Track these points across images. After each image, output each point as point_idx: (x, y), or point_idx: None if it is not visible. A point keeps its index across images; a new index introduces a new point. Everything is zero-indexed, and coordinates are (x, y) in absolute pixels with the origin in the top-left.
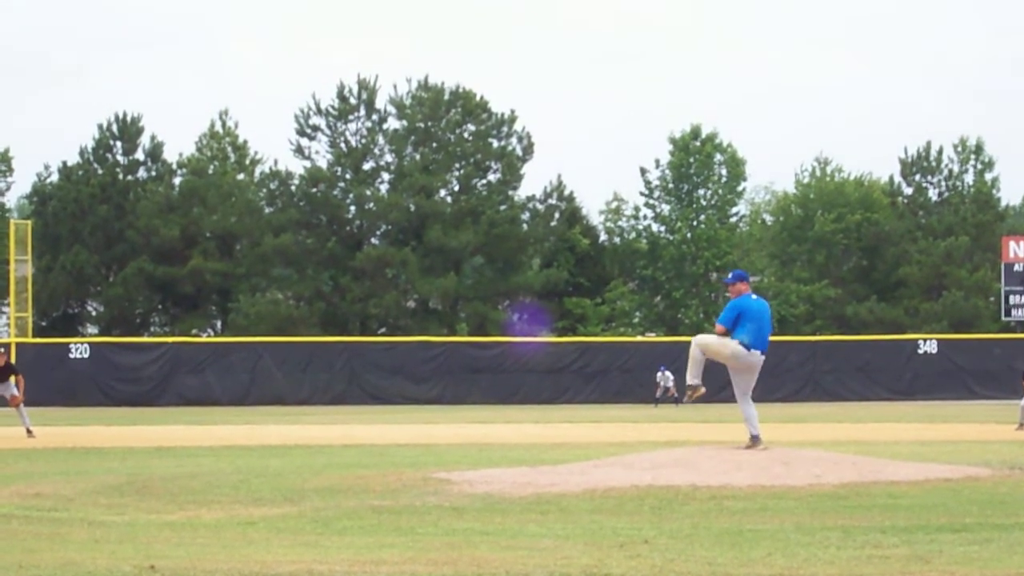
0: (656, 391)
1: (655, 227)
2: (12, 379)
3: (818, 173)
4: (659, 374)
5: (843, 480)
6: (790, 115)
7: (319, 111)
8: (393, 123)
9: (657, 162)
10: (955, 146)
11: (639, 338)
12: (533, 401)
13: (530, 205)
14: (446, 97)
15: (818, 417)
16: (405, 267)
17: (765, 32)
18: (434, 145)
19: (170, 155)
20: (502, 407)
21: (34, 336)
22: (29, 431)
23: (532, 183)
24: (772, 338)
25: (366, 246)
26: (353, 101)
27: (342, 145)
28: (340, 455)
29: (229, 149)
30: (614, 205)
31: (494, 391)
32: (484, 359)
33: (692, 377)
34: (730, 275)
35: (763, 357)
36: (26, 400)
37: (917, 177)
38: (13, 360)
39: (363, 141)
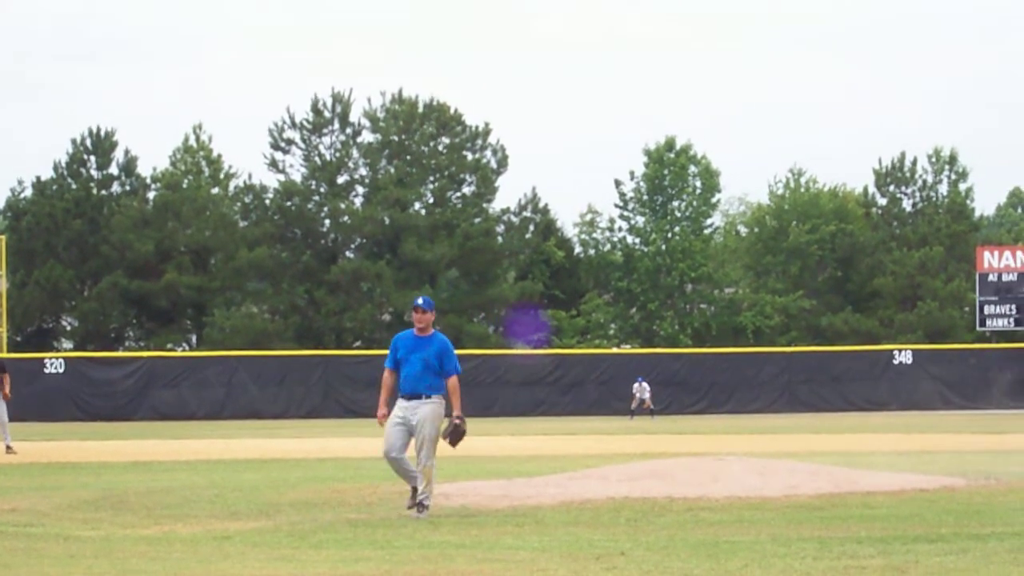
0: (632, 403)
1: (630, 239)
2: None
3: (792, 184)
4: (636, 385)
5: (819, 491)
6: (764, 127)
7: (294, 125)
8: (367, 136)
9: (632, 174)
10: (929, 156)
11: (615, 350)
12: (509, 413)
13: (505, 218)
14: (420, 110)
15: (793, 428)
16: (380, 280)
17: (740, 44)
18: (408, 158)
19: (144, 169)
20: (478, 419)
21: (8, 351)
22: (9, 447)
23: (507, 196)
24: (746, 349)
25: (341, 259)
26: (327, 114)
27: (316, 159)
28: (316, 468)
29: (203, 163)
30: (588, 217)
31: (469, 403)
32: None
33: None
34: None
35: (407, 405)
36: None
37: (891, 188)
38: None
39: (337, 154)
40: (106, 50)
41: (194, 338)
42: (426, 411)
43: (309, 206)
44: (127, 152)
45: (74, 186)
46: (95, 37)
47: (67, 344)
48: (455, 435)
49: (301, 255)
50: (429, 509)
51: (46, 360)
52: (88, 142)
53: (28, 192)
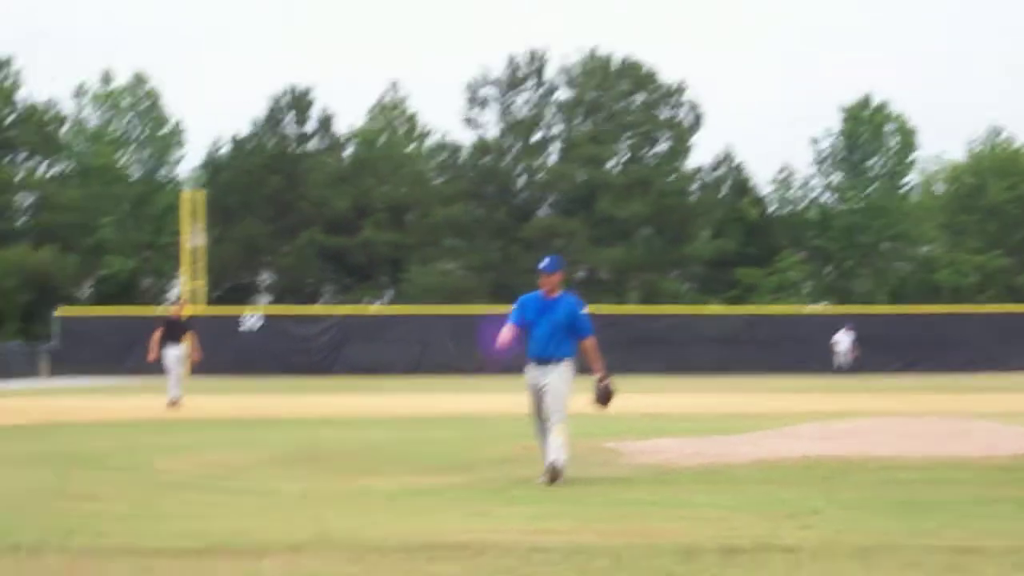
0: (835, 359)
1: (825, 197)
2: (185, 339)
3: (991, 143)
4: (842, 334)
5: (1018, 452)
6: (962, 84)
7: (489, 82)
8: (562, 94)
9: (828, 131)
10: None
11: (809, 309)
12: (703, 371)
13: (699, 176)
14: (614, 68)
15: (992, 388)
16: (574, 237)
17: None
18: (602, 116)
19: (341, 127)
20: (671, 377)
21: (208, 305)
22: (173, 402)
23: (701, 154)
24: (945, 308)
25: (535, 217)
26: (523, 72)
27: (511, 116)
28: (510, 425)
29: (399, 120)
30: (783, 175)
31: (664, 360)
32: (654, 330)
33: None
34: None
35: (537, 370)
36: (200, 368)
37: None
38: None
39: (532, 112)
40: (304, 7)
41: (390, 294)
42: (555, 373)
43: (504, 163)
44: (324, 109)
45: (272, 143)
46: None
47: (264, 299)
48: (604, 395)
49: (495, 212)
50: (562, 472)
51: (243, 315)
52: (286, 99)
53: (226, 149)
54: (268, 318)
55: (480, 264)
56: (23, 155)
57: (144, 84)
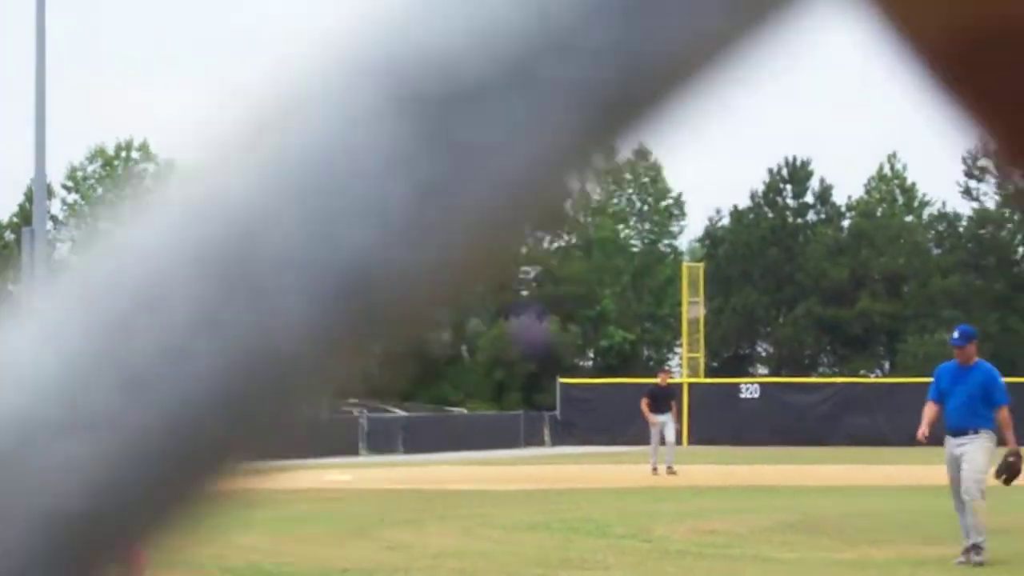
0: None
1: None
2: (671, 408)
3: None
4: None
5: None
6: None
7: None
8: None
9: None
10: None
11: None
12: None
13: None
14: None
15: None
16: None
17: None
18: None
19: (839, 198)
20: None
21: (705, 376)
22: (670, 468)
23: None
24: None
25: None
26: None
27: (1010, 187)
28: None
29: (898, 191)
30: None
31: None
32: None
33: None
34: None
35: (956, 442)
36: (696, 438)
37: None
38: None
39: None
40: (797, 79)
41: (887, 364)
42: (973, 445)
43: (1003, 234)
44: (822, 181)
45: (770, 215)
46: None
47: (762, 369)
48: (1010, 473)
49: (994, 282)
50: (983, 550)
51: (742, 385)
52: (784, 171)
53: (726, 221)
54: (764, 387)
55: (978, 334)
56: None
57: (647, 157)
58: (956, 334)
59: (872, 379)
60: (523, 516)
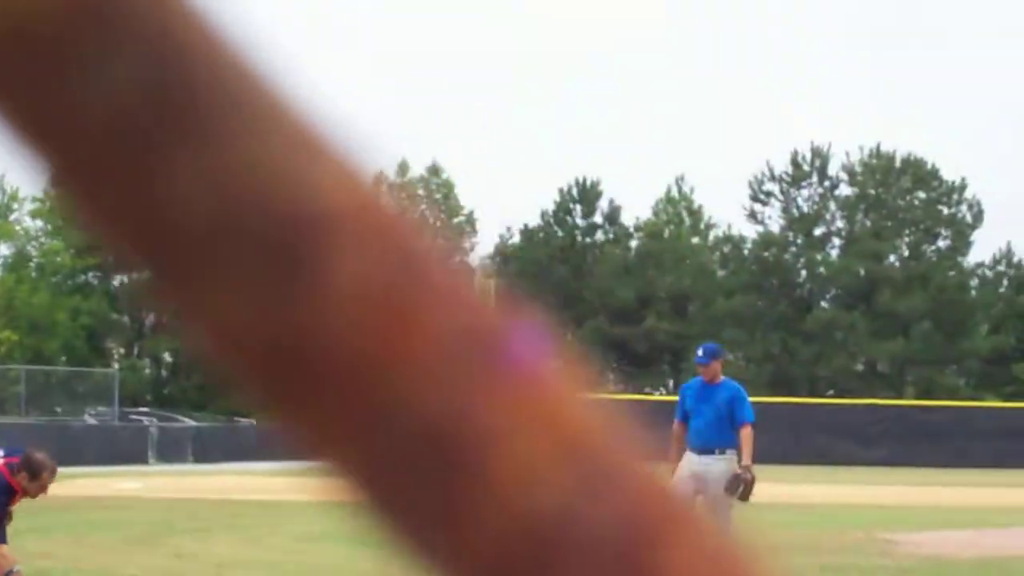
0: None
1: None
2: None
3: None
4: None
5: None
6: None
7: (773, 178)
8: (845, 189)
9: None
10: None
11: None
12: (981, 465)
13: (979, 271)
14: (897, 164)
15: None
16: (854, 331)
17: None
18: (884, 212)
19: (627, 219)
20: (948, 471)
21: None
22: None
23: (981, 250)
24: None
25: (816, 309)
26: (806, 168)
27: (794, 211)
28: (787, 513)
29: (684, 213)
30: None
31: (941, 455)
32: (931, 423)
33: None
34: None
35: (699, 460)
36: None
37: None
38: None
39: (815, 207)
40: (589, 103)
41: (671, 382)
42: (717, 471)
43: (786, 256)
44: (611, 202)
45: (560, 234)
46: (582, 90)
47: None
48: (740, 490)
49: (776, 304)
50: None
51: None
52: (575, 191)
53: (516, 239)
54: None
55: (760, 355)
56: None
57: (439, 174)
58: (700, 352)
59: (655, 397)
60: (312, 527)
